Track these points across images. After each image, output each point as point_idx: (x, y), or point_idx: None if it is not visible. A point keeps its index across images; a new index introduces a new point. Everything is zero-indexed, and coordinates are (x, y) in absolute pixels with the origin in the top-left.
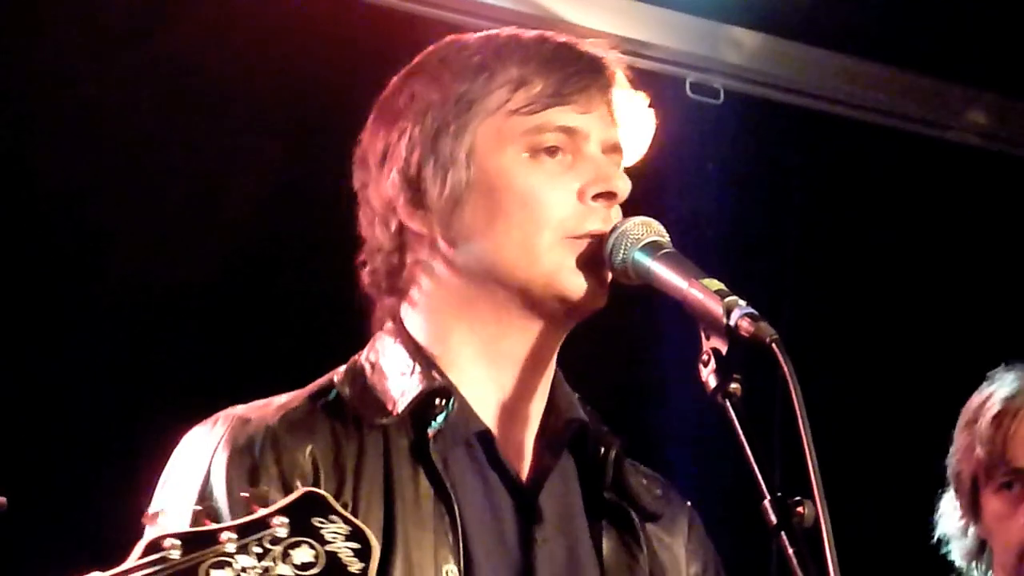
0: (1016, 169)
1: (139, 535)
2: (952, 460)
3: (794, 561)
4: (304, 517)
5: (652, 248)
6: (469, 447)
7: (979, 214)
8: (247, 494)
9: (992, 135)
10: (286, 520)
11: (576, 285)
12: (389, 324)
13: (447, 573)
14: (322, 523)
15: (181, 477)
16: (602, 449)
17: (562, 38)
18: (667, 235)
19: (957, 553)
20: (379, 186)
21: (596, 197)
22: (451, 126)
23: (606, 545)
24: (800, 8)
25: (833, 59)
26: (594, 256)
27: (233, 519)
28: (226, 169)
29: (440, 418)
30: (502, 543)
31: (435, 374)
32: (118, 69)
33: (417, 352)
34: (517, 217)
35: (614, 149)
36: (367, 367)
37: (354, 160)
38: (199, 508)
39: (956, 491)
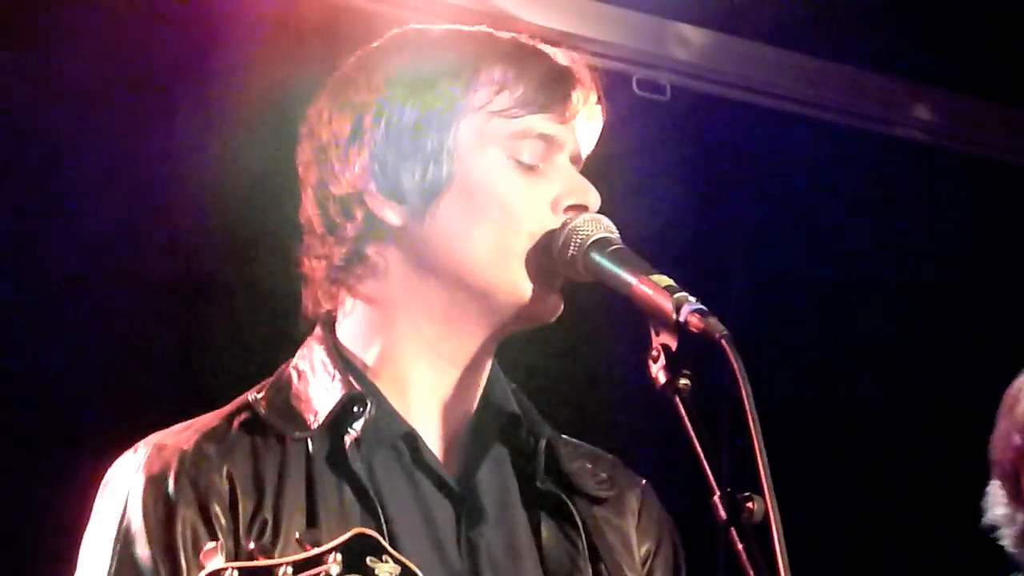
0: (962, 164)
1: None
2: (993, 447)
3: (743, 556)
4: (357, 556)
5: (602, 244)
6: (395, 450)
7: (926, 209)
8: (299, 535)
9: (938, 131)
10: (340, 558)
11: (536, 295)
12: (317, 329)
13: None
14: (374, 562)
15: (102, 511)
16: (532, 436)
17: (535, 43)
18: (616, 231)
19: (1008, 540)
20: (343, 170)
21: (568, 208)
22: (433, 119)
23: (544, 534)
24: (746, 5)
25: (780, 55)
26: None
27: (151, 548)
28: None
29: (358, 424)
30: (435, 542)
31: (354, 381)
32: None
33: (340, 359)
34: (495, 221)
35: (578, 160)
36: (294, 375)
37: (303, 136)
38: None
39: (999, 478)
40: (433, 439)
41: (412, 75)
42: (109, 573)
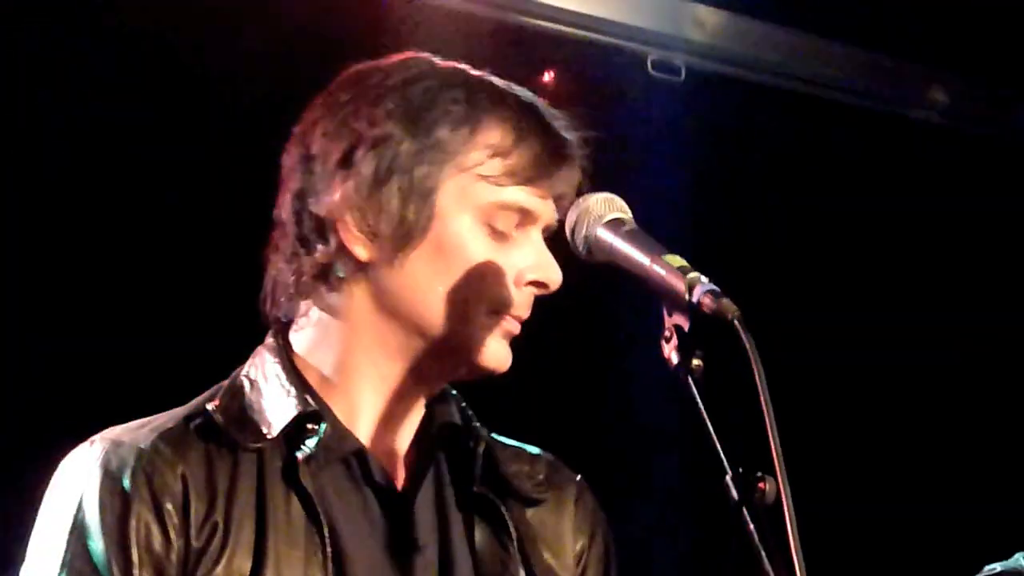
0: (977, 147)
1: None
2: None
3: (755, 537)
4: None
5: (614, 225)
6: (345, 466)
7: (941, 192)
8: None
9: (953, 114)
10: None
11: (490, 357)
12: (270, 339)
13: None
14: None
15: (56, 501)
16: (471, 443)
17: (540, 105)
18: (629, 212)
19: None
20: (327, 191)
21: (529, 283)
22: (421, 169)
23: (478, 539)
24: None
25: (796, 37)
26: (509, 331)
27: (104, 542)
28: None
29: (311, 442)
30: (380, 557)
31: (309, 398)
32: None
33: (293, 373)
34: (460, 284)
35: (550, 231)
36: (246, 384)
37: (294, 137)
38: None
39: None
40: (380, 454)
41: (414, 117)
42: (62, 564)
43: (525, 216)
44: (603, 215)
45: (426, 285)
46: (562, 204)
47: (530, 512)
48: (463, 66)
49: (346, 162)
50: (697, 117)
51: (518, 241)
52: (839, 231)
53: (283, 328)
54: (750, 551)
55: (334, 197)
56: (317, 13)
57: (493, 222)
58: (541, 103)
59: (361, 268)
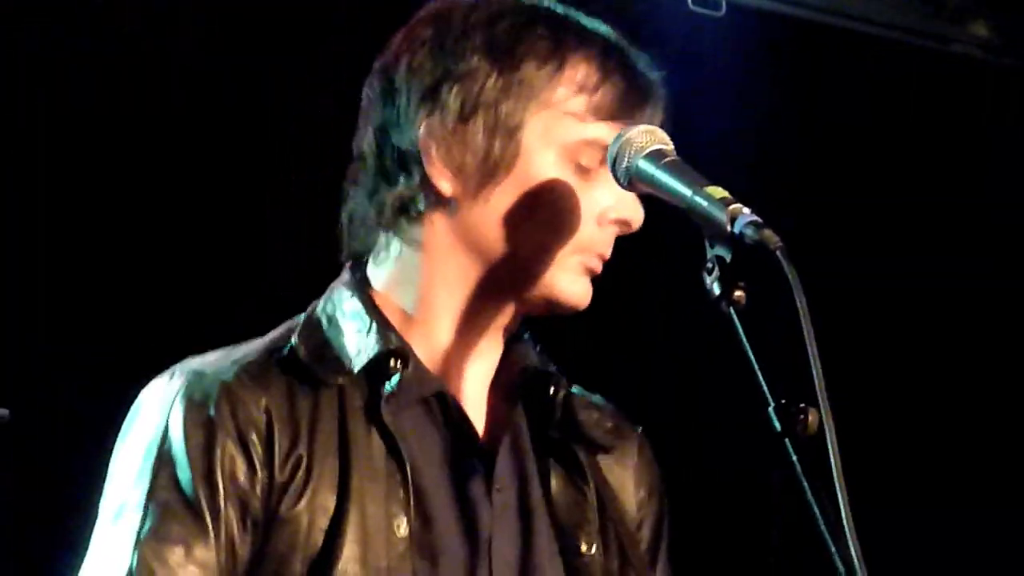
0: (1018, 82)
1: None
2: None
3: (798, 468)
4: None
5: (656, 156)
6: (426, 407)
7: (983, 127)
8: None
9: (995, 48)
10: None
11: (569, 294)
12: (346, 274)
13: (398, 526)
14: None
15: (139, 432)
16: (551, 389)
17: (625, 44)
18: (671, 143)
19: None
20: (411, 125)
21: (612, 222)
22: (507, 104)
23: (554, 484)
24: None
25: None
26: (591, 270)
27: (191, 472)
28: None
29: (395, 379)
30: (459, 499)
31: (391, 334)
32: None
33: (373, 308)
34: (542, 221)
35: None
36: (324, 320)
37: (376, 70)
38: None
39: None
40: (460, 396)
41: (501, 52)
42: (147, 492)
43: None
44: (644, 146)
45: (509, 221)
46: None
47: (600, 459)
48: (548, 2)
49: (431, 96)
50: (737, 52)
51: (602, 179)
52: (880, 167)
53: (359, 263)
54: (794, 482)
55: (419, 131)
56: None
57: (578, 159)
58: (626, 43)
59: (444, 202)
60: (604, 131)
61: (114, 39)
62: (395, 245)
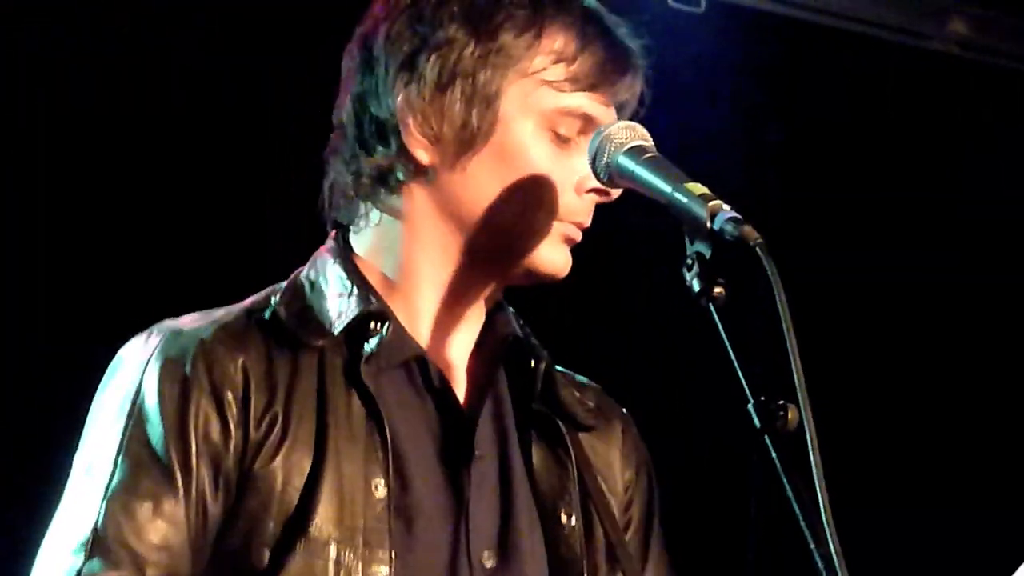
0: (996, 79)
1: None
2: None
3: (778, 464)
4: None
5: (636, 152)
6: (407, 371)
7: (960, 123)
8: None
9: (973, 45)
10: None
11: (549, 262)
12: (330, 242)
13: (376, 487)
14: None
15: (114, 389)
16: (532, 361)
17: (604, 12)
18: (651, 139)
19: None
20: (389, 94)
21: (590, 191)
22: (485, 73)
23: (535, 455)
24: None
25: None
26: (570, 238)
27: (163, 429)
28: None
29: (374, 341)
30: (438, 462)
31: (372, 297)
32: None
33: (355, 273)
34: (522, 190)
35: None
36: (306, 285)
37: (356, 39)
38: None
39: None
40: (440, 362)
41: (478, 21)
42: (119, 448)
43: (588, 122)
44: (624, 142)
45: (488, 190)
46: (623, 113)
47: (583, 437)
48: None
49: (409, 65)
50: (716, 47)
51: (580, 148)
52: (859, 163)
53: (342, 231)
54: (773, 478)
55: (397, 100)
56: None
57: (556, 128)
58: (604, 11)
59: (422, 172)
60: (582, 100)
61: (114, 39)
62: (375, 214)
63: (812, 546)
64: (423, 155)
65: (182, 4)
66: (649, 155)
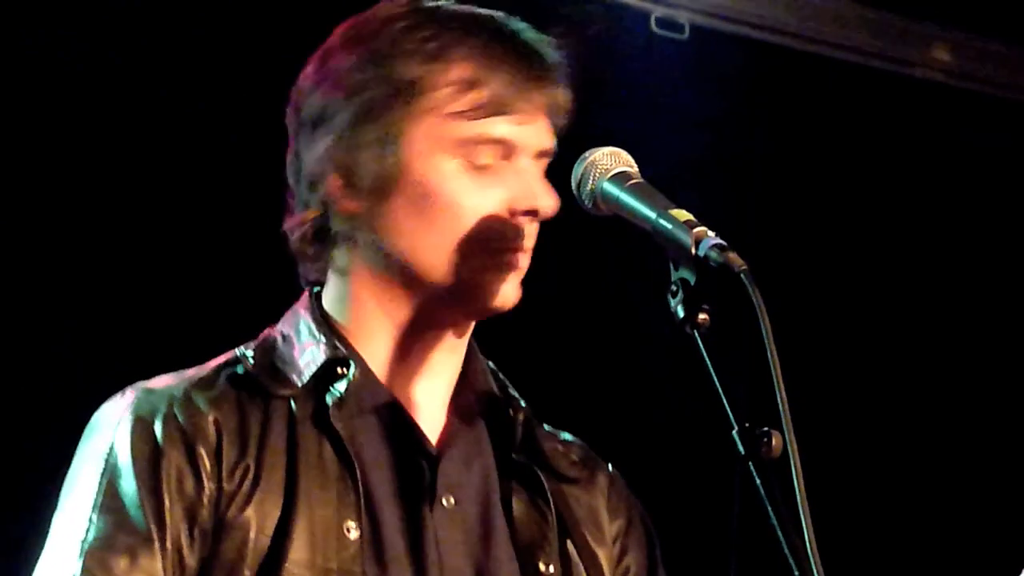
0: (980, 106)
1: None
2: None
3: (762, 491)
4: None
5: (621, 178)
6: (378, 417)
7: (944, 151)
8: None
9: (957, 72)
10: None
11: (493, 295)
12: (304, 298)
13: (348, 530)
14: None
15: (90, 447)
16: (511, 411)
17: (519, 28)
18: (636, 166)
19: None
20: (311, 148)
21: (523, 213)
22: (393, 113)
23: (515, 505)
24: None
25: None
26: (511, 265)
27: (137, 484)
28: None
29: (340, 386)
30: (410, 507)
31: (338, 344)
32: None
33: (324, 324)
34: (448, 227)
35: (546, 153)
36: (278, 338)
37: (291, 98)
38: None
39: None
40: (413, 409)
41: (384, 60)
42: (95, 504)
43: (507, 146)
44: (609, 168)
45: (415, 233)
46: (555, 125)
47: (565, 488)
48: (459, 6)
49: (324, 116)
50: (700, 75)
51: (504, 173)
52: (845, 188)
53: (316, 286)
54: (757, 505)
55: (319, 152)
56: None
57: (472, 158)
58: (522, 26)
59: (353, 223)
60: (496, 126)
61: (114, 39)
62: (329, 270)
63: (796, 574)
64: (348, 205)
65: (182, 3)
66: (634, 181)
